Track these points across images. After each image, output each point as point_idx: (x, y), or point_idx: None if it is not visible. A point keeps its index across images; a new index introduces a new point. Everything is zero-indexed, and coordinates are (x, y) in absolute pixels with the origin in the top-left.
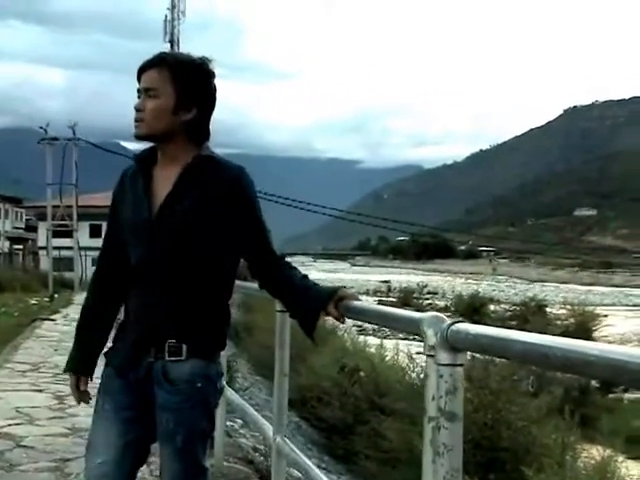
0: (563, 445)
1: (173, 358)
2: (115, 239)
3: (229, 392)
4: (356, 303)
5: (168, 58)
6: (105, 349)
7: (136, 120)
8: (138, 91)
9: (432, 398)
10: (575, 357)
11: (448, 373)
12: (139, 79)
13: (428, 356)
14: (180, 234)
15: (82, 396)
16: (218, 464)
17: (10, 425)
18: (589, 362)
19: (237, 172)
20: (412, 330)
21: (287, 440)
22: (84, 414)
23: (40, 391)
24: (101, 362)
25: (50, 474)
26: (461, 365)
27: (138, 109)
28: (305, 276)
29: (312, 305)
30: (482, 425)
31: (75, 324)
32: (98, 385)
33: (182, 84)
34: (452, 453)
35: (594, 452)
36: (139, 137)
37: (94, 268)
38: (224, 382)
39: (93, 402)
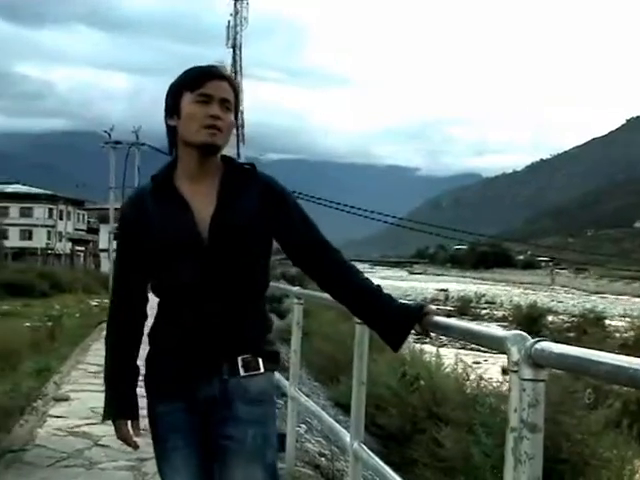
0: (622, 459)
1: (250, 373)
2: (138, 264)
3: (303, 399)
4: (440, 319)
5: (228, 74)
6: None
7: (215, 128)
8: (206, 96)
9: (515, 410)
10: None
11: (531, 388)
12: (203, 85)
13: (512, 371)
14: (236, 247)
15: (136, 442)
16: (289, 469)
17: (87, 424)
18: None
19: (267, 176)
20: (496, 347)
21: (364, 446)
22: None
23: None
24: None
25: (128, 473)
26: (543, 380)
27: (219, 117)
28: (379, 286)
29: (401, 321)
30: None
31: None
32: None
33: (237, 102)
34: (533, 461)
35: None
36: (215, 147)
37: (112, 295)
38: None
39: None
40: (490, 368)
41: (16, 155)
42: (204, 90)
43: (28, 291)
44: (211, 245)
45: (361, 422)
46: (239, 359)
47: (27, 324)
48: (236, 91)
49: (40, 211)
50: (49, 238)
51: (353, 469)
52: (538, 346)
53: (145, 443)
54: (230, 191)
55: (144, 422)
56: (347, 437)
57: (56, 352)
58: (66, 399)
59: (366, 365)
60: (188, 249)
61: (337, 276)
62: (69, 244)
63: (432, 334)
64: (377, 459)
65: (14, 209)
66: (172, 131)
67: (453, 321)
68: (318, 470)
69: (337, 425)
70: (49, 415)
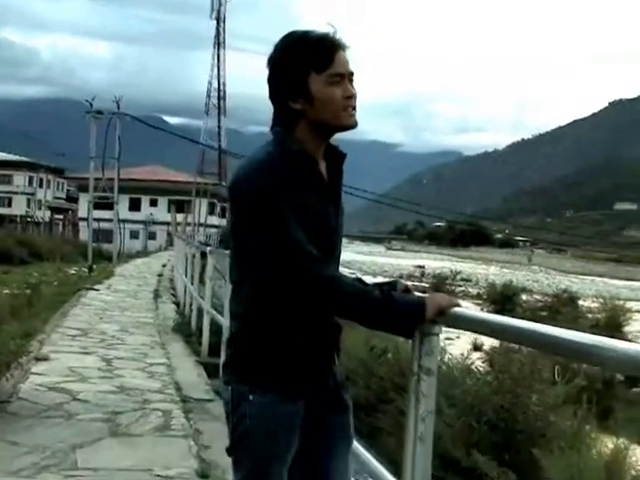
0: (577, 431)
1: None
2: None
3: None
4: None
5: (343, 40)
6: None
7: (354, 108)
8: (340, 76)
9: (415, 358)
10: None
11: (427, 340)
12: (331, 63)
13: None
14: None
15: None
16: None
17: (66, 382)
18: (514, 331)
19: None
20: None
21: None
22: (129, 376)
23: (89, 354)
24: None
25: (103, 424)
26: (437, 334)
27: (354, 95)
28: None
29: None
30: (499, 408)
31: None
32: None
33: None
34: (428, 399)
35: (610, 443)
36: (356, 127)
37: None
38: None
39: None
40: (462, 345)
41: None
42: (334, 70)
43: (6, 258)
44: (337, 235)
45: None
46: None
47: (6, 291)
48: None
49: (20, 179)
50: (28, 206)
51: None
52: None
53: (120, 399)
54: (333, 173)
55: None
56: None
57: (36, 317)
58: (46, 359)
59: None
60: (324, 240)
61: None
62: (48, 212)
63: None
64: None
65: None
66: (294, 113)
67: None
68: None
69: None
70: (31, 372)
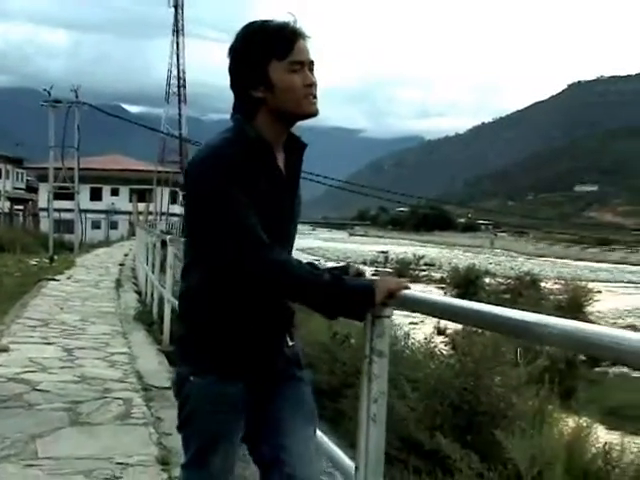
0: (538, 411)
1: (292, 343)
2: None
3: None
4: None
5: (303, 29)
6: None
7: (314, 96)
8: (300, 64)
9: (367, 340)
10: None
11: (378, 322)
12: (291, 51)
13: None
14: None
15: None
16: None
17: (26, 372)
18: (461, 312)
19: None
20: None
21: None
22: (90, 365)
23: (50, 344)
24: None
25: (64, 413)
26: (388, 317)
27: (314, 84)
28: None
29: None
30: (462, 390)
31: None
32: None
33: None
34: (380, 379)
35: (572, 422)
36: (316, 115)
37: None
38: None
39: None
40: (425, 329)
41: None
42: (295, 58)
43: None
44: (291, 224)
45: None
46: (292, 330)
47: None
48: None
49: None
50: None
51: None
52: None
53: (82, 388)
54: (292, 163)
55: None
56: None
57: None
58: (6, 350)
59: None
60: (275, 228)
61: None
62: (8, 203)
63: None
64: None
65: None
66: (255, 101)
67: None
68: None
69: None
70: None
